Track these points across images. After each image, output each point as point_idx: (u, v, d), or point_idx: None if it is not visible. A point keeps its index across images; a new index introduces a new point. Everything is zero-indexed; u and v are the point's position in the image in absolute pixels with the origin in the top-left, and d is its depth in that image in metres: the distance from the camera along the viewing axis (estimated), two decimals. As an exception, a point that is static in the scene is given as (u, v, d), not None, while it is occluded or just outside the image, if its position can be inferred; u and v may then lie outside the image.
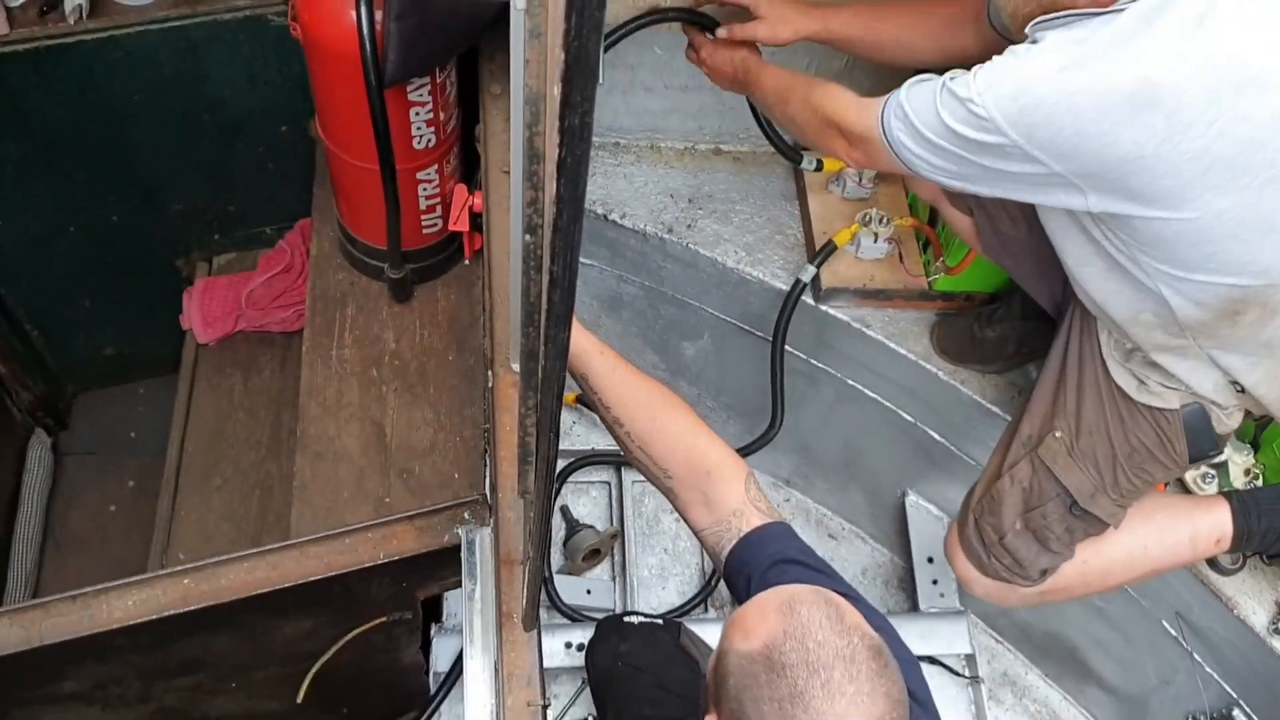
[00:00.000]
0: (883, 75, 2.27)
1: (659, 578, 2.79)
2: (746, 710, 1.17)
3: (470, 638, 1.51)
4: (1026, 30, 1.55)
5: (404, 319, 2.10)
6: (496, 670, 1.48)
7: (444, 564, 1.68)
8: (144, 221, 2.52)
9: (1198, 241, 1.50)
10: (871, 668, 1.18)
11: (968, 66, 1.61)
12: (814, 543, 2.83)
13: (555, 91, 0.65)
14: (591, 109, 0.64)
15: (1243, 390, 1.73)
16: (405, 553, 1.58)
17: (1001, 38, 1.84)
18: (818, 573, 1.41)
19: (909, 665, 1.30)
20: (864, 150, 1.71)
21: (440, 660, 2.26)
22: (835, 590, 1.27)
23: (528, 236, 0.84)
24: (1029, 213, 1.89)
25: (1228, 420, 1.81)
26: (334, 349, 2.06)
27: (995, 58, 1.53)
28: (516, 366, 1.69)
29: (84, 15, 2.04)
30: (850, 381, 2.56)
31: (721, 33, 2.03)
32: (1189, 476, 2.10)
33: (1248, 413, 1.87)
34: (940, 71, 1.69)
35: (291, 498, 2.20)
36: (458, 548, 1.59)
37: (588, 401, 2.87)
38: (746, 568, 1.42)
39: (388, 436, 1.97)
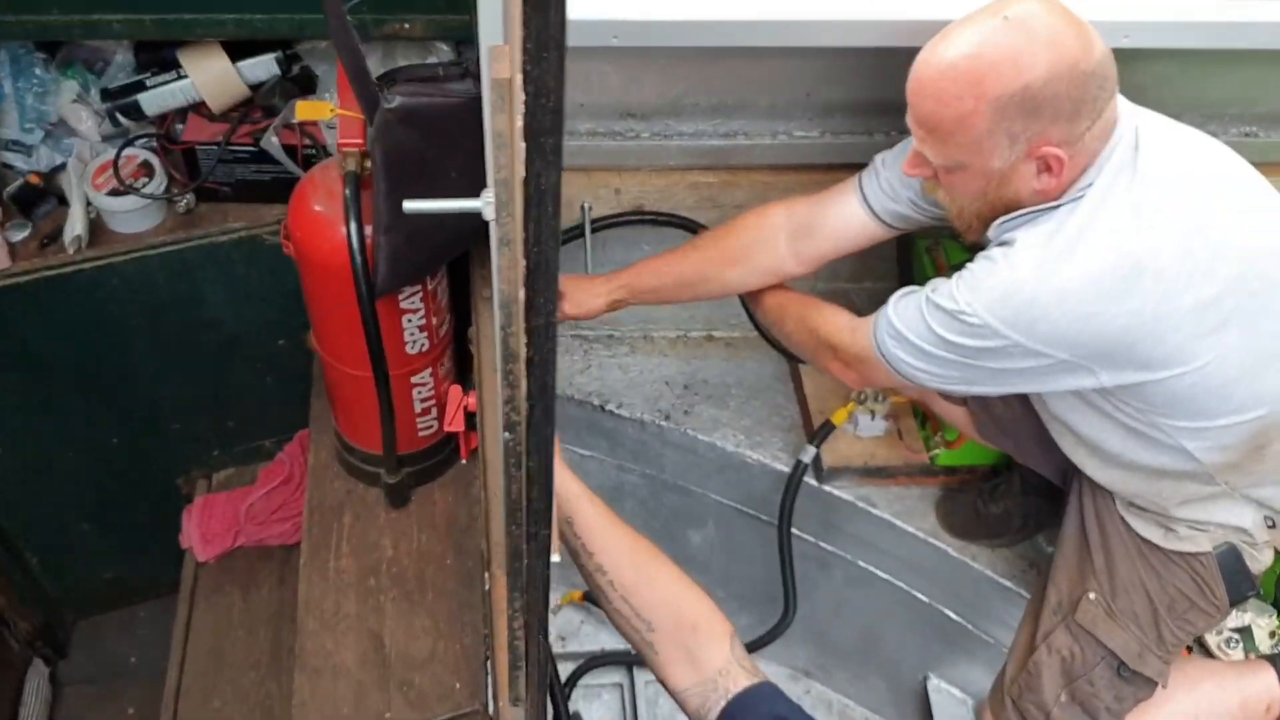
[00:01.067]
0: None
1: (679, 781, 2.67)
2: None
3: None
4: (990, 233, 1.60)
5: (401, 524, 2.08)
6: None
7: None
8: (143, 443, 2.53)
9: (1214, 387, 1.52)
10: None
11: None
12: (838, 736, 2.75)
13: (521, 295, 0.66)
14: (554, 311, 0.64)
15: (1275, 525, 1.71)
16: (405, 772, 1.51)
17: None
18: None
19: None
20: (860, 370, 1.74)
21: None
22: None
23: (506, 434, 0.84)
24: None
25: (1260, 557, 1.78)
26: (331, 559, 2.04)
27: (969, 265, 1.57)
28: (514, 567, 1.66)
29: (83, 246, 2.11)
30: (861, 563, 2.51)
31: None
32: (1212, 642, 2.04)
33: (1277, 552, 1.84)
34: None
35: (291, 718, 2.14)
36: (459, 763, 1.52)
37: (593, 598, 2.81)
38: None
39: (386, 648, 1.92)
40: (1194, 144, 1.58)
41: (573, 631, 2.88)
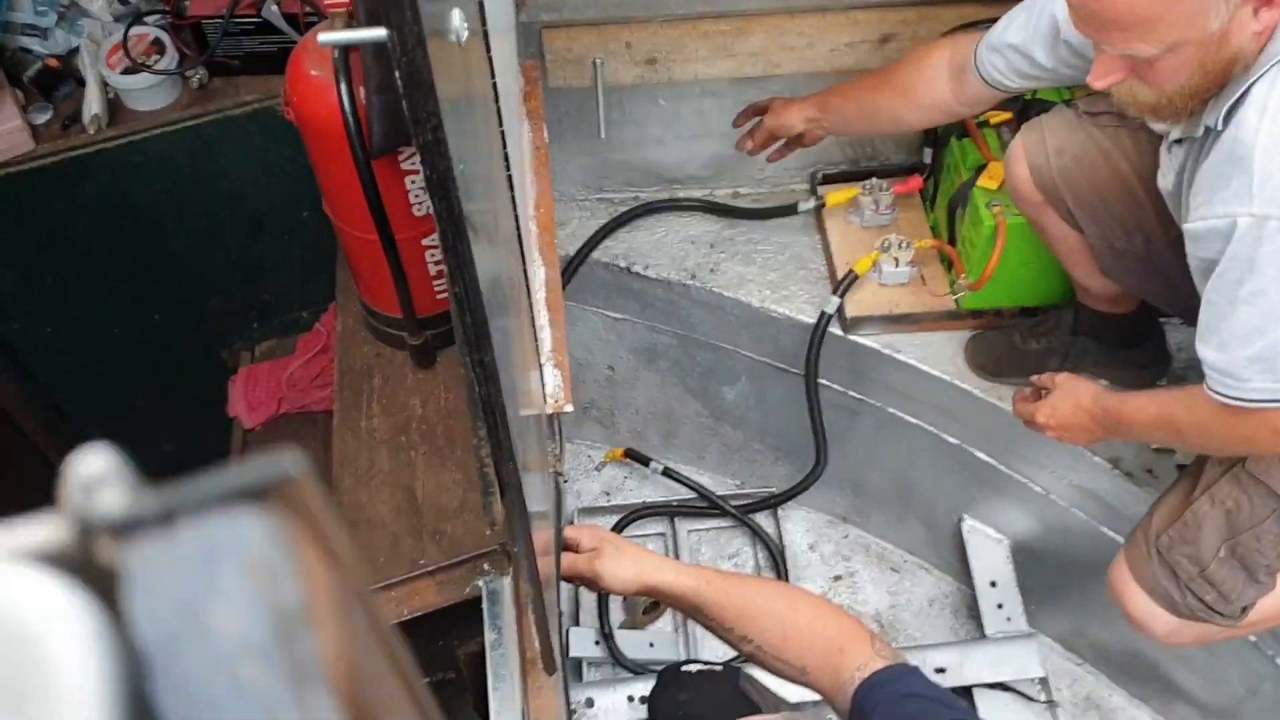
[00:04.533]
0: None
1: (719, 626, 2.77)
2: None
3: (496, 688, 1.51)
4: (1207, 118, 1.47)
5: (429, 384, 2.13)
6: (524, 717, 1.48)
7: (474, 618, 1.69)
8: (185, 319, 2.61)
9: None
10: None
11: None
12: (877, 578, 2.81)
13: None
14: (440, 123, 0.66)
15: None
16: (428, 608, 1.59)
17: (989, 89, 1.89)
18: (941, 705, 1.41)
19: None
20: None
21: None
22: None
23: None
24: (1147, 228, 1.85)
25: None
26: (363, 419, 2.10)
27: (1237, 181, 1.40)
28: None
29: (103, 125, 2.15)
30: (890, 409, 2.53)
31: None
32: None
33: None
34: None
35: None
36: (478, 600, 1.60)
37: (637, 456, 2.86)
38: (865, 707, 1.42)
39: (419, 500, 1.99)
40: None
41: (617, 486, 2.96)
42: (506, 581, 1.59)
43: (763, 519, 2.86)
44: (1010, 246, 2.14)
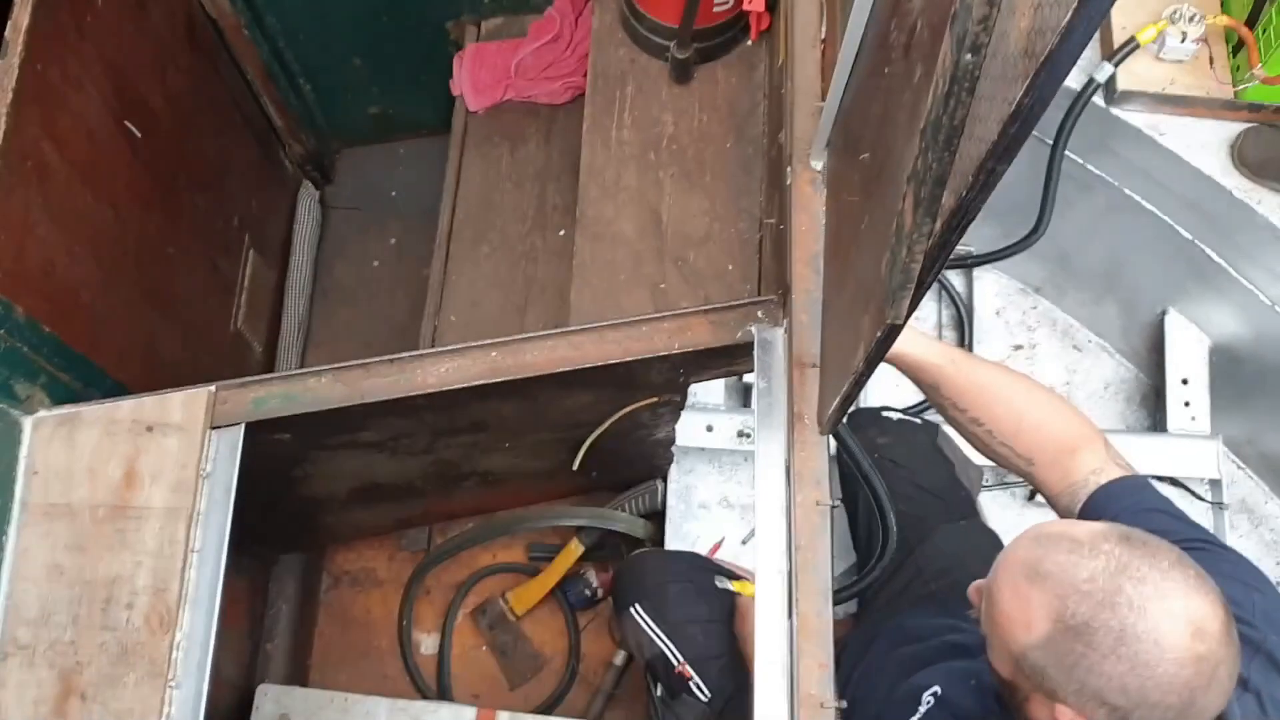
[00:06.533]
0: None
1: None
2: (1094, 684, 1.16)
3: (764, 437, 1.55)
4: None
5: (683, 101, 2.06)
6: (787, 469, 1.52)
7: (725, 357, 1.71)
8: (412, -20, 2.51)
9: None
10: (1140, 554, 1.17)
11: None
12: (1057, 353, 2.80)
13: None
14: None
15: None
16: (699, 345, 1.61)
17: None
18: (1183, 523, 1.42)
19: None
20: None
21: (680, 436, 2.34)
22: (1189, 539, 1.23)
23: (968, 56, 0.80)
24: None
25: None
26: (613, 129, 2.05)
27: None
28: (817, 165, 1.65)
29: None
30: (1128, 191, 2.42)
31: None
32: None
33: None
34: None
35: (557, 272, 2.27)
36: (747, 345, 1.60)
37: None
38: (1102, 513, 1.42)
39: (663, 223, 1.98)
40: None
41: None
42: (780, 333, 1.59)
43: (955, 276, 2.82)
44: (1323, 44, 1.96)
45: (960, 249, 2.81)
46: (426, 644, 2.75)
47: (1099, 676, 1.13)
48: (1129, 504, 1.40)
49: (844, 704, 1.35)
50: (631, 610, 1.96)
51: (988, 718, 1.40)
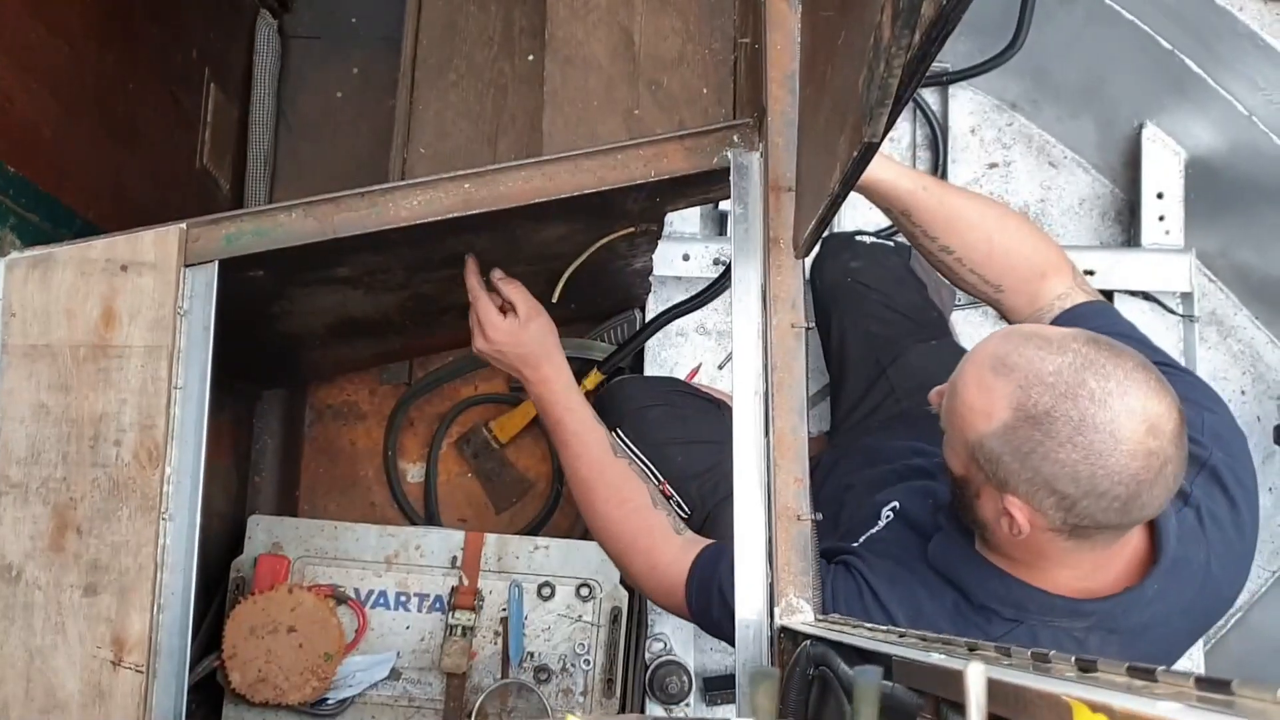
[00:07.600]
0: None
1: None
2: (1046, 471, 1.19)
3: (739, 260, 1.55)
4: None
5: (650, -87, 1.99)
6: (763, 292, 1.53)
7: (701, 183, 1.70)
8: None
9: None
10: (1106, 354, 1.20)
11: None
12: (1032, 170, 2.79)
13: None
14: None
15: None
16: (674, 172, 1.59)
17: None
18: (1146, 346, 1.43)
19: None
20: None
21: (657, 266, 2.35)
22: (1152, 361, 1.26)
23: None
24: None
25: None
26: (581, -53, 1.98)
27: None
28: (789, -19, 1.61)
29: None
30: (1108, 1, 2.37)
31: None
32: None
33: None
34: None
35: (528, 100, 2.23)
36: (724, 170, 1.59)
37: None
38: None
39: (636, 45, 1.93)
40: None
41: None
42: (755, 157, 1.57)
43: (929, 94, 2.78)
44: None
45: (936, 66, 2.77)
46: (413, 473, 2.81)
47: (1052, 464, 1.18)
48: (1094, 326, 1.43)
49: (819, 516, 1.40)
50: (614, 434, 2.01)
51: (940, 531, 1.47)
